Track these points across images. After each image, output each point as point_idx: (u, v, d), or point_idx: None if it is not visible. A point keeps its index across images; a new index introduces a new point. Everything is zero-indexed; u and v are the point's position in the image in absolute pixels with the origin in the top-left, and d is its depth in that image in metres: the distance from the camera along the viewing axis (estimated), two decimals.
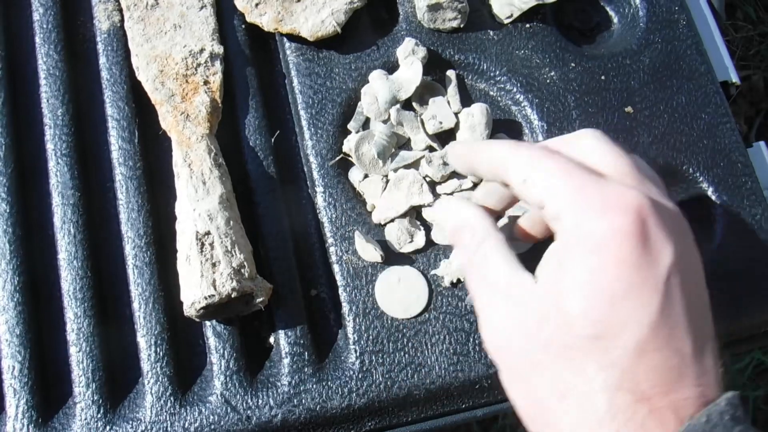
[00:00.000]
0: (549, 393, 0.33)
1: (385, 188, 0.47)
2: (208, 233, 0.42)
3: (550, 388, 0.33)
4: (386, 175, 0.47)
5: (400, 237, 0.46)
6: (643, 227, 0.32)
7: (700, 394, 0.31)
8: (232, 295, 0.41)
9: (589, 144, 0.36)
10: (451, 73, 0.50)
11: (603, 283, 0.31)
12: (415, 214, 0.47)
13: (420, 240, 0.46)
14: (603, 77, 0.51)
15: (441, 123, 0.48)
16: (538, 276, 0.35)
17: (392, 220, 0.46)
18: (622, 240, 0.31)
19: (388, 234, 0.46)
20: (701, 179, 0.49)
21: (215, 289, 0.40)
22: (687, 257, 0.33)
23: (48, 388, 0.43)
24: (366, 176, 0.47)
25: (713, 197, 0.49)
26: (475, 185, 0.47)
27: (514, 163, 0.36)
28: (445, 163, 0.47)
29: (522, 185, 0.35)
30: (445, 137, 0.49)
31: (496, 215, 0.41)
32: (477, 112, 0.48)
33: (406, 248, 0.46)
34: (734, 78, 0.56)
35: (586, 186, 0.33)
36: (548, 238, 0.38)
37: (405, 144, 0.49)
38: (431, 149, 0.48)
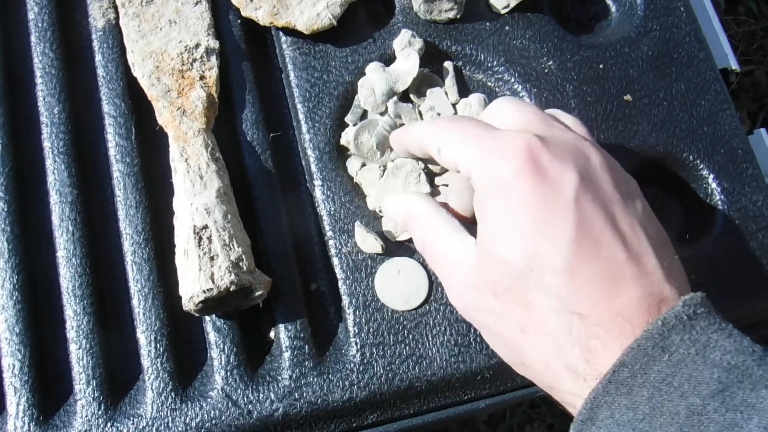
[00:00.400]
0: (512, 333, 0.36)
1: (382, 176, 0.46)
2: (205, 227, 0.42)
3: (511, 329, 0.36)
4: (384, 165, 0.47)
5: (397, 226, 0.45)
6: (536, 163, 0.35)
7: (645, 294, 0.33)
8: (231, 289, 0.40)
9: (497, 107, 0.41)
10: (448, 65, 0.50)
11: (516, 221, 0.34)
12: None
13: None
14: (601, 66, 0.51)
15: (439, 114, 0.48)
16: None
17: None
18: (520, 179, 0.35)
19: (385, 223, 0.46)
20: (702, 166, 0.49)
21: (213, 282, 0.40)
22: (597, 175, 0.36)
23: (48, 385, 0.43)
24: (364, 165, 0.47)
25: (714, 184, 0.49)
26: None
27: (430, 138, 0.40)
28: None
29: (438, 155, 0.39)
30: None
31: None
32: (474, 103, 0.47)
33: (404, 236, 0.45)
34: (734, 65, 0.55)
35: (484, 141, 0.37)
36: None
37: None
38: None
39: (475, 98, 0.48)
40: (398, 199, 0.43)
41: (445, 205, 0.42)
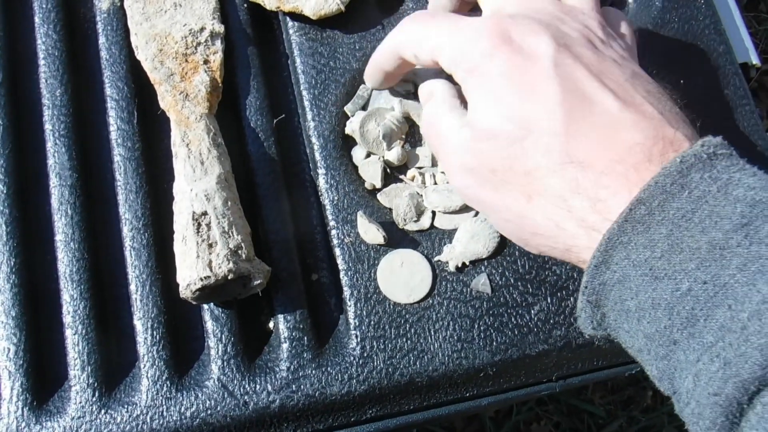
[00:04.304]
0: (518, 205, 0.35)
1: (383, 170, 0.46)
2: (204, 213, 0.41)
3: (516, 201, 0.35)
4: (384, 157, 0.46)
5: (407, 213, 0.44)
6: (506, 39, 0.35)
7: (646, 138, 0.32)
8: (229, 277, 0.39)
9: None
10: None
11: (499, 96, 0.35)
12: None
13: (426, 221, 0.45)
14: None
15: None
16: None
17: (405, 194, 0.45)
18: (494, 57, 0.35)
19: (396, 208, 0.44)
20: None
21: (211, 270, 0.39)
22: (574, 40, 0.37)
23: (43, 370, 0.42)
24: (368, 155, 0.46)
25: None
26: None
27: (403, 48, 0.40)
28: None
29: (416, 60, 0.40)
30: None
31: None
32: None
33: (410, 226, 0.44)
34: (755, 60, 0.54)
35: (457, 30, 0.37)
36: None
37: (411, 126, 0.48)
38: None
39: None
40: (427, 81, 0.43)
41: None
